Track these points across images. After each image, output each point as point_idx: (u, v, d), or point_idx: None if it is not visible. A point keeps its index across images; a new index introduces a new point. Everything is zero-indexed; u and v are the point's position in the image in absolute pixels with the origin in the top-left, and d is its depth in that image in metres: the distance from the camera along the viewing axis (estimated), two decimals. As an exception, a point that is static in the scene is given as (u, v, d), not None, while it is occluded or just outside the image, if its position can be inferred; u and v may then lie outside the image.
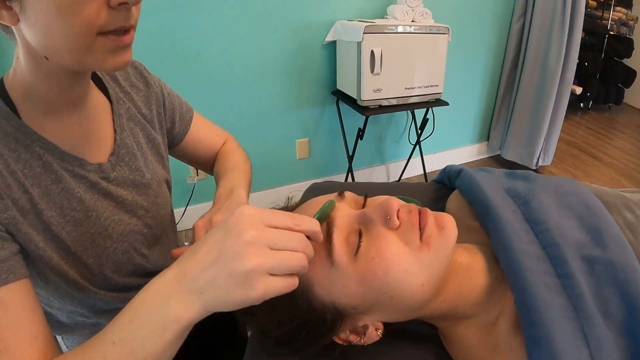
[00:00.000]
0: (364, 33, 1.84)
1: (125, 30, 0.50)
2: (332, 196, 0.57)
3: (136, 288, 0.74)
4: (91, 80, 0.66)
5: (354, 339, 0.54)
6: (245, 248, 0.39)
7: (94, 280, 0.66)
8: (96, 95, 0.67)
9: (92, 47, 0.48)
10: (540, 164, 2.95)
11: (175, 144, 0.87)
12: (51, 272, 0.60)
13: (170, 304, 0.40)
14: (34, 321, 0.50)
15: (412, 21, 2.06)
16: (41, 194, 0.57)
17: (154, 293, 0.41)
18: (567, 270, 0.51)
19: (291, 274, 0.42)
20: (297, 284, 0.43)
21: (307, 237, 0.44)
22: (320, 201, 0.56)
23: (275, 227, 0.42)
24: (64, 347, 0.82)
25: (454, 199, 0.77)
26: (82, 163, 0.62)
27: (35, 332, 0.50)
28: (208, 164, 0.94)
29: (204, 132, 0.91)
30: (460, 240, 0.66)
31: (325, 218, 0.52)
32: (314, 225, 0.45)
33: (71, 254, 0.61)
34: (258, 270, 0.39)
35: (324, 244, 0.50)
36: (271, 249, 0.40)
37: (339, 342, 0.54)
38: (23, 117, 0.56)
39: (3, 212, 0.52)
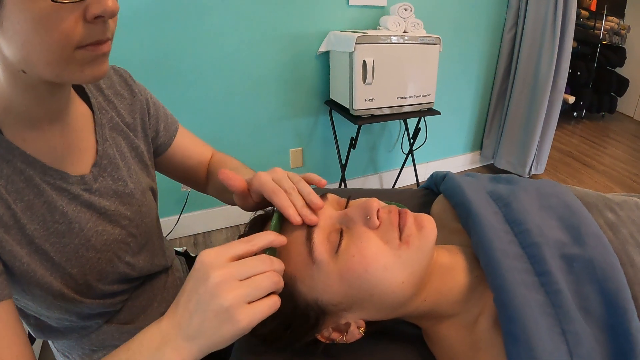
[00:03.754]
0: (356, 43, 1.86)
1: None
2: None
3: (120, 294, 0.75)
4: (73, 91, 0.65)
5: (336, 336, 0.54)
6: (216, 289, 0.42)
7: (79, 289, 0.65)
8: (78, 105, 0.67)
9: (70, 60, 0.47)
10: (533, 172, 2.97)
11: (159, 153, 0.86)
12: (36, 288, 0.60)
13: (166, 350, 0.43)
14: (16, 342, 0.50)
15: (404, 32, 2.09)
16: (24, 208, 0.57)
17: (150, 337, 0.44)
18: (545, 268, 0.51)
19: (270, 294, 0.45)
20: (279, 302, 0.46)
21: (275, 249, 0.49)
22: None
23: (238, 257, 0.45)
24: (52, 349, 0.83)
25: (439, 203, 0.79)
26: (64, 176, 0.62)
27: (16, 352, 0.49)
28: (197, 175, 0.92)
29: (190, 142, 0.91)
30: (445, 242, 0.67)
31: (278, 228, 0.54)
32: (268, 236, 0.48)
33: (55, 265, 0.61)
34: (235, 303, 0.42)
35: (306, 242, 0.51)
36: (240, 280, 0.44)
37: (322, 339, 0.55)
38: (4, 131, 0.55)
39: None
